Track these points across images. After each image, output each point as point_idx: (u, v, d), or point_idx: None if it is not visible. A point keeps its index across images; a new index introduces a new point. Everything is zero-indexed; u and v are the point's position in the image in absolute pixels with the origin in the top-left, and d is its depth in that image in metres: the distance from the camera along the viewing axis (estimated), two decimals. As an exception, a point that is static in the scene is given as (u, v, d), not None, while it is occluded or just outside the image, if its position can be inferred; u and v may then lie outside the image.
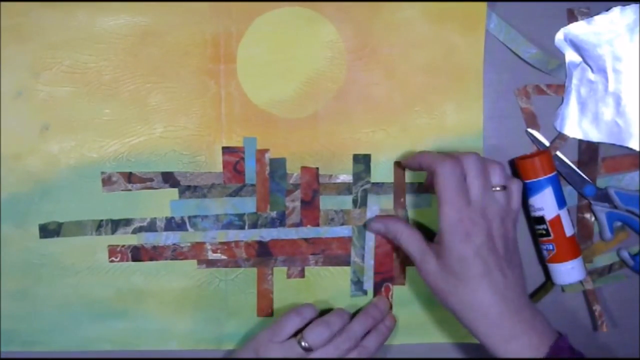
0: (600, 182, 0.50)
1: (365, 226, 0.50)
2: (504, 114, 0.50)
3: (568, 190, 0.50)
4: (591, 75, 0.49)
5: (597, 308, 0.50)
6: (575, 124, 0.49)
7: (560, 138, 0.50)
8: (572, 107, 0.49)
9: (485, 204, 0.42)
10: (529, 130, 0.50)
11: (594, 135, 0.49)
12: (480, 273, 0.41)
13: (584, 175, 0.50)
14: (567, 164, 0.50)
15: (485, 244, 0.42)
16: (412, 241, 0.45)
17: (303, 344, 0.45)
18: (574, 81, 0.49)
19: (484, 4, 0.48)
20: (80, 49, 0.48)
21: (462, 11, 0.49)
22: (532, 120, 0.50)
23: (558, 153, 0.50)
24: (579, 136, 0.49)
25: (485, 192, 0.43)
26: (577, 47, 0.48)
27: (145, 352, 0.50)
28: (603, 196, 0.50)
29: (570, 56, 0.49)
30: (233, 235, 0.50)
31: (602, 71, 0.48)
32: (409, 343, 0.51)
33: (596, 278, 0.51)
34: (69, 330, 0.50)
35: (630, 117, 0.48)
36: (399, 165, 0.49)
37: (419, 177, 0.50)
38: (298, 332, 0.46)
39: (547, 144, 0.50)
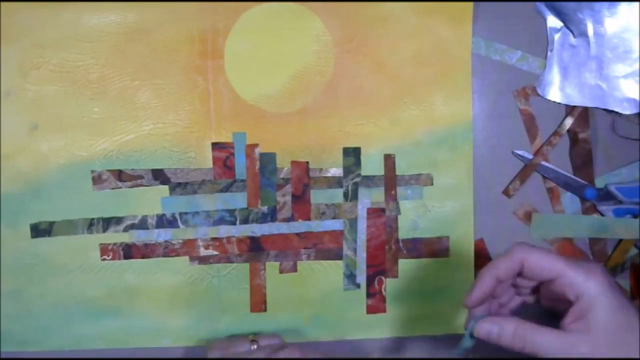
0: (599, 182, 0.50)
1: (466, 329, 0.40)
2: (504, 114, 0.50)
3: (569, 196, 0.50)
4: (573, 40, 0.49)
5: None
6: (558, 89, 0.49)
7: (547, 144, 0.50)
8: (554, 73, 0.49)
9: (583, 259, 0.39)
10: (515, 151, 0.50)
11: (577, 100, 0.49)
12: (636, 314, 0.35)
13: (581, 180, 0.50)
14: (561, 173, 0.50)
15: (616, 284, 0.37)
16: (545, 335, 0.36)
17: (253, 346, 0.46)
18: (556, 46, 0.49)
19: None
20: (67, 47, 0.48)
21: (449, 3, 0.49)
22: (530, 121, 0.50)
23: (547, 164, 0.50)
24: (563, 101, 0.49)
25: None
26: (557, 12, 0.48)
27: (139, 350, 0.50)
28: (605, 195, 0.50)
29: (552, 21, 0.49)
30: (224, 231, 0.50)
31: (584, 35, 0.48)
32: (401, 336, 0.51)
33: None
34: (63, 329, 0.50)
35: (613, 80, 0.48)
36: None
37: (410, 170, 0.50)
38: None
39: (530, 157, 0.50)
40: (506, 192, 0.50)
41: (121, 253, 0.50)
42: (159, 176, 0.49)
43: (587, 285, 0.35)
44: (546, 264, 0.36)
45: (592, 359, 0.35)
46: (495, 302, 0.40)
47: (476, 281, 0.38)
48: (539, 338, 0.36)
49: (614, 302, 0.35)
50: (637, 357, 0.35)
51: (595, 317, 0.35)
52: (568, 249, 0.50)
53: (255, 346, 0.45)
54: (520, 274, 0.38)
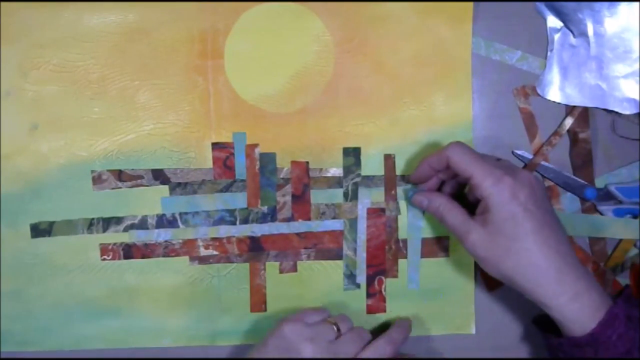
0: (599, 182, 0.50)
1: (404, 200, 0.50)
2: (504, 114, 0.50)
3: (569, 196, 0.50)
4: (573, 40, 0.49)
5: None
6: (558, 89, 0.49)
7: (547, 144, 0.50)
8: (554, 73, 0.49)
9: (517, 169, 0.43)
10: (515, 151, 0.50)
11: (577, 100, 0.49)
12: (532, 229, 0.40)
13: (581, 180, 0.50)
14: (561, 173, 0.50)
15: (530, 199, 0.41)
16: (454, 214, 0.44)
17: (334, 327, 0.45)
18: (556, 46, 0.49)
19: (471, -4, 0.48)
20: (67, 47, 0.48)
21: (449, 3, 0.49)
22: (530, 120, 0.50)
23: (547, 164, 0.50)
24: (563, 101, 0.49)
25: (511, 163, 0.44)
26: (557, 12, 0.48)
27: (139, 350, 0.50)
28: (605, 195, 0.50)
29: (552, 21, 0.49)
30: (224, 231, 0.50)
31: (584, 35, 0.48)
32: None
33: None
34: (63, 329, 0.50)
35: (613, 80, 0.48)
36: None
37: (410, 170, 0.50)
38: None
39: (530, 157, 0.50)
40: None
41: (121, 253, 0.50)
42: (159, 176, 0.49)
43: (490, 191, 0.41)
44: (463, 165, 0.42)
45: None
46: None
47: (417, 166, 0.47)
48: (449, 216, 0.44)
49: (509, 211, 0.41)
50: (508, 262, 0.41)
51: (490, 217, 0.41)
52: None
53: (336, 329, 0.45)
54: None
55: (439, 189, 0.48)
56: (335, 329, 0.45)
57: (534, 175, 0.43)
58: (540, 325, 0.45)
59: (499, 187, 0.41)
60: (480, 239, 0.42)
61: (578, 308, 0.40)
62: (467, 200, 0.47)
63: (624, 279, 0.51)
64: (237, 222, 0.50)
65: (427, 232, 0.50)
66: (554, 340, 0.42)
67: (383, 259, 0.50)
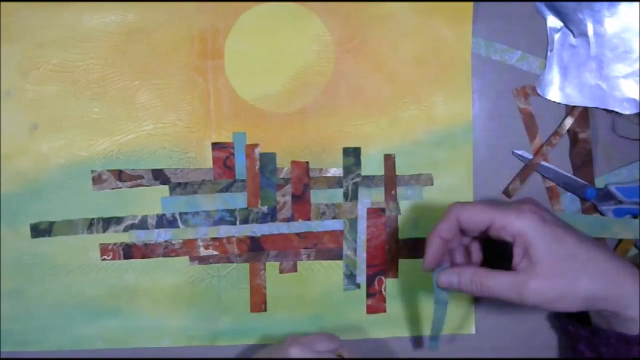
0: (599, 182, 0.50)
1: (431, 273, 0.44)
2: (504, 114, 0.50)
3: (569, 197, 0.50)
4: (573, 40, 0.49)
5: None
6: (558, 89, 0.49)
7: (547, 144, 0.50)
8: (554, 73, 0.49)
9: (516, 201, 0.41)
10: (515, 151, 0.50)
11: (577, 100, 0.49)
12: (578, 239, 0.39)
13: (581, 180, 0.50)
14: (561, 173, 0.50)
15: (553, 216, 0.39)
16: (494, 277, 0.39)
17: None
18: (556, 46, 0.49)
19: (471, -3, 0.48)
20: (67, 47, 0.48)
21: (449, 3, 0.49)
22: (530, 120, 0.50)
23: (547, 164, 0.50)
24: (563, 101, 0.49)
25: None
26: (557, 12, 0.48)
27: (139, 350, 0.50)
28: (605, 195, 0.50)
29: (552, 21, 0.49)
30: (224, 231, 0.50)
31: (584, 35, 0.48)
32: (401, 336, 0.51)
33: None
34: (63, 329, 0.50)
35: (613, 80, 0.48)
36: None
37: (410, 170, 0.50)
38: None
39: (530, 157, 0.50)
40: (506, 193, 0.50)
41: (121, 253, 0.50)
42: (159, 176, 0.49)
43: (518, 224, 0.38)
44: (477, 215, 0.39)
45: None
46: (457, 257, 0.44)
47: (426, 247, 0.42)
48: (492, 281, 0.39)
49: (548, 233, 0.38)
50: (581, 280, 0.37)
51: (535, 252, 0.37)
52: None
53: None
54: (462, 231, 0.41)
55: None
56: None
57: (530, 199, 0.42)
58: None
59: (526, 217, 0.38)
60: (541, 283, 0.37)
61: None
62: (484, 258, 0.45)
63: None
64: (237, 222, 0.50)
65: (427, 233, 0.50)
66: (602, 331, 0.40)
67: (383, 259, 0.50)
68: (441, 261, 0.42)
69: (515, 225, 0.38)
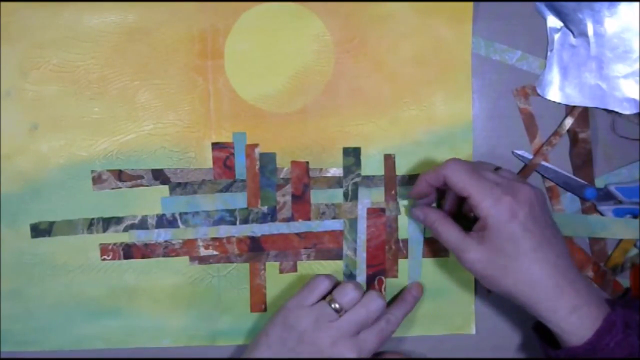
0: (599, 182, 0.50)
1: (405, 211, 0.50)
2: (504, 114, 0.50)
3: (569, 196, 0.50)
4: (573, 40, 0.49)
5: None
6: (558, 89, 0.49)
7: (547, 144, 0.50)
8: (554, 73, 0.49)
9: (517, 185, 0.42)
10: (515, 151, 0.50)
11: (577, 100, 0.49)
12: (531, 247, 0.41)
13: (581, 180, 0.50)
14: (561, 173, 0.50)
15: (530, 218, 0.41)
16: (449, 231, 0.44)
17: (333, 305, 0.45)
18: (556, 46, 0.49)
19: (471, -3, 0.48)
20: (67, 47, 0.48)
21: (449, 3, 0.49)
22: (530, 120, 0.50)
23: (547, 164, 0.50)
24: (563, 101, 0.49)
25: (512, 176, 0.44)
26: (557, 12, 0.48)
27: (139, 350, 0.50)
28: (605, 195, 0.49)
29: (552, 21, 0.49)
30: (224, 231, 0.50)
31: (584, 35, 0.48)
32: (401, 335, 0.51)
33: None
34: (63, 329, 0.50)
35: (613, 80, 0.48)
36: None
37: (411, 170, 0.50)
38: (325, 296, 0.46)
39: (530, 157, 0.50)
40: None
41: (121, 253, 0.50)
42: (159, 176, 0.49)
43: (488, 212, 0.41)
44: (460, 184, 0.42)
45: None
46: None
47: (416, 182, 0.46)
48: (445, 233, 0.44)
49: (508, 232, 0.41)
50: (508, 279, 0.42)
51: (489, 236, 0.41)
52: (566, 241, 0.50)
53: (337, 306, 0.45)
54: None
55: (441, 199, 0.48)
56: (337, 306, 0.45)
57: (534, 189, 0.43)
58: (540, 331, 0.45)
59: (498, 208, 0.41)
60: (477, 257, 0.42)
61: (576, 320, 0.40)
62: (466, 214, 0.47)
63: (624, 279, 0.51)
64: (237, 222, 0.50)
65: (427, 232, 0.50)
66: (552, 352, 0.42)
67: (383, 259, 0.50)
68: (426, 196, 0.47)
69: (484, 210, 0.41)
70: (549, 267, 0.41)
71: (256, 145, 0.49)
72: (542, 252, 0.41)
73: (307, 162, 0.50)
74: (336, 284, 0.47)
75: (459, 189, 0.42)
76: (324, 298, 0.46)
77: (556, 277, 0.41)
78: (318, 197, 0.50)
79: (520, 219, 0.41)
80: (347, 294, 0.45)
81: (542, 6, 0.49)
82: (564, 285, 0.41)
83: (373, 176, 0.50)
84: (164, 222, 0.50)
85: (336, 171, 0.50)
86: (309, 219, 0.50)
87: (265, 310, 0.50)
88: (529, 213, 0.41)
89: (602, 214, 0.50)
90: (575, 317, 0.40)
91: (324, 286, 0.46)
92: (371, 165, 0.50)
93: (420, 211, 0.47)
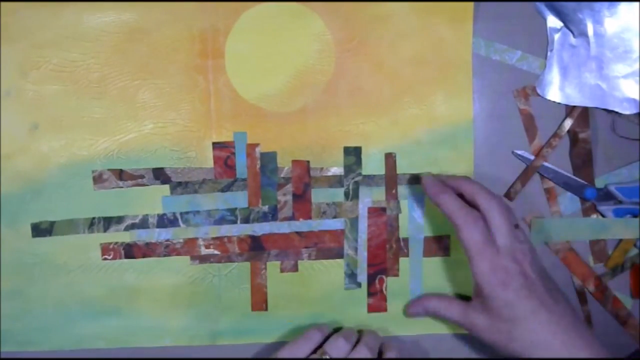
0: (599, 182, 0.50)
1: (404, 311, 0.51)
2: (504, 114, 0.50)
3: (569, 196, 0.50)
4: (573, 40, 0.49)
5: None
6: (558, 89, 0.49)
7: (547, 146, 0.50)
8: (554, 73, 0.49)
9: (513, 247, 0.43)
10: (515, 151, 0.50)
11: (577, 100, 0.49)
12: (530, 311, 0.42)
13: (581, 180, 0.50)
14: (561, 173, 0.50)
15: (524, 286, 0.42)
16: (452, 310, 0.46)
17: (325, 357, 0.45)
18: (556, 46, 0.49)
19: (471, -4, 0.49)
20: (67, 47, 0.48)
21: (449, 3, 0.49)
22: (530, 121, 0.50)
23: (548, 164, 0.50)
24: (563, 101, 0.49)
25: (511, 236, 0.43)
26: (557, 12, 0.48)
27: (139, 350, 0.50)
28: (605, 195, 0.50)
29: (552, 21, 0.49)
30: (225, 230, 0.50)
31: (584, 35, 0.48)
32: (402, 334, 0.51)
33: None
34: (63, 328, 0.50)
35: (613, 80, 0.48)
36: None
37: (411, 169, 0.50)
38: (317, 349, 0.46)
39: (531, 158, 0.50)
40: (507, 195, 0.50)
41: (122, 252, 0.50)
42: (160, 175, 0.49)
43: (481, 279, 0.43)
44: (462, 238, 0.44)
45: None
46: None
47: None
48: (448, 313, 0.47)
49: (503, 299, 0.42)
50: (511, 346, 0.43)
51: (489, 304, 0.43)
52: (569, 254, 0.50)
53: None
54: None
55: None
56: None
57: (529, 241, 0.44)
58: None
59: (492, 277, 0.42)
60: (484, 326, 0.44)
61: None
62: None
63: (624, 279, 0.51)
64: (238, 222, 0.50)
65: (428, 231, 0.50)
66: None
67: (384, 258, 0.50)
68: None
69: (479, 278, 0.43)
70: (551, 327, 0.42)
71: (257, 144, 0.49)
72: (543, 314, 0.42)
73: (308, 162, 0.50)
74: (329, 335, 0.47)
75: (463, 244, 0.44)
76: (315, 351, 0.46)
77: (561, 336, 0.42)
78: (319, 196, 0.50)
79: (515, 287, 0.42)
80: (338, 347, 0.45)
81: (542, 6, 0.49)
82: (569, 342, 0.41)
83: (374, 175, 0.50)
84: (164, 221, 0.50)
85: (337, 170, 0.50)
86: (309, 218, 0.50)
87: (266, 309, 0.50)
88: (524, 281, 0.42)
89: (602, 214, 0.50)
90: None
91: (316, 338, 0.46)
92: (372, 165, 0.50)
93: (419, 307, 0.49)
